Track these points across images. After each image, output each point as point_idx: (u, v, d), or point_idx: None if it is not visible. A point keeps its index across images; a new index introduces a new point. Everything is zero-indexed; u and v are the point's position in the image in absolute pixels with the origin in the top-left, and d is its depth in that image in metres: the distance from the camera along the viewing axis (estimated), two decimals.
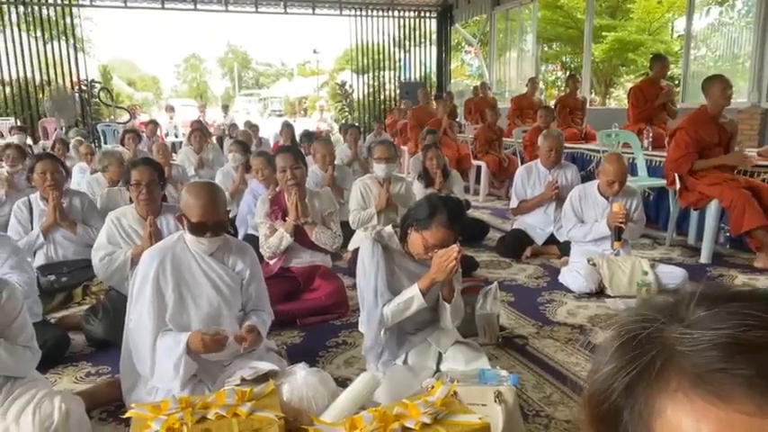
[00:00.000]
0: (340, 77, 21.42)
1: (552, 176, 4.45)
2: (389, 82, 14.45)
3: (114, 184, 4.46)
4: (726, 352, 0.38)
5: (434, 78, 14.42)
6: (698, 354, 0.39)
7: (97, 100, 13.06)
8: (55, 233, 3.62)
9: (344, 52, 28.18)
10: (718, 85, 4.07)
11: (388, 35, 14.01)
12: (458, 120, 10.03)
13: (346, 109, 15.95)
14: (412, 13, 14.05)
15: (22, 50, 11.48)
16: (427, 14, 14.07)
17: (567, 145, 5.35)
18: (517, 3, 11.18)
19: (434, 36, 14.24)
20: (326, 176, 4.96)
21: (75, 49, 12.19)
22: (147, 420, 1.70)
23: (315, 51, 43.77)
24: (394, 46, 14.23)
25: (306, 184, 3.59)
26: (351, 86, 15.63)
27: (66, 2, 11.92)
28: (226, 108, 13.72)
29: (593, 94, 16.02)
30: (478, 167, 7.33)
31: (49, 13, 11.82)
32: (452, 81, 15.64)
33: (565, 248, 4.16)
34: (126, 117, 12.95)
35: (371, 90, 14.49)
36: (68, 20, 12.03)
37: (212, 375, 2.22)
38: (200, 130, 6.98)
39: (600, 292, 3.58)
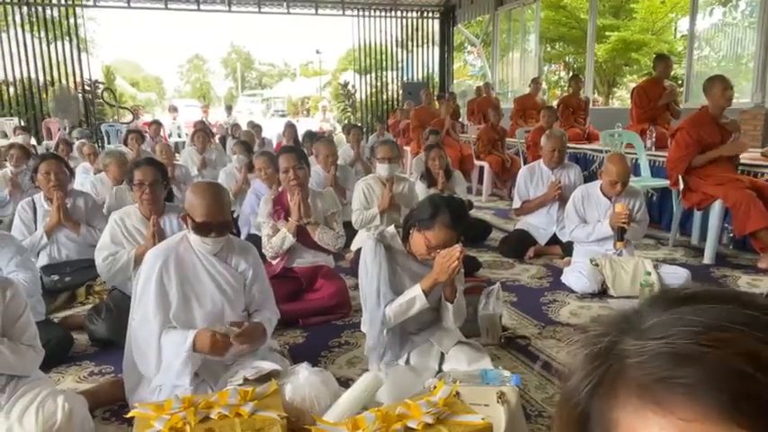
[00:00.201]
0: (343, 78, 21.39)
1: (555, 177, 4.45)
2: (392, 82, 14.46)
3: (118, 184, 4.47)
4: (666, 361, 0.39)
5: (437, 79, 14.42)
6: (642, 365, 0.40)
7: (101, 100, 13.11)
8: (58, 233, 3.63)
9: (347, 52, 28.15)
10: (718, 85, 4.07)
11: (391, 35, 14.03)
12: (460, 120, 10.01)
13: (349, 109, 15.93)
14: (415, 14, 14.05)
15: (26, 51, 11.52)
16: (430, 15, 14.07)
17: (569, 145, 5.35)
18: (520, 3, 11.18)
19: (437, 36, 14.25)
20: (329, 177, 4.96)
21: (79, 49, 12.23)
22: (150, 420, 1.70)
23: (318, 52, 43.90)
24: (397, 46, 14.23)
25: (309, 184, 3.59)
26: (353, 87, 15.63)
27: (70, 2, 11.96)
28: (229, 108, 13.76)
29: (596, 95, 16.02)
30: (481, 168, 7.33)
31: (52, 14, 11.85)
32: (455, 81, 15.65)
33: (568, 249, 4.15)
34: (129, 117, 13.01)
35: (374, 90, 14.50)
36: (72, 20, 12.08)
37: (215, 375, 2.22)
38: (203, 131, 7.00)
39: (603, 293, 3.57)
